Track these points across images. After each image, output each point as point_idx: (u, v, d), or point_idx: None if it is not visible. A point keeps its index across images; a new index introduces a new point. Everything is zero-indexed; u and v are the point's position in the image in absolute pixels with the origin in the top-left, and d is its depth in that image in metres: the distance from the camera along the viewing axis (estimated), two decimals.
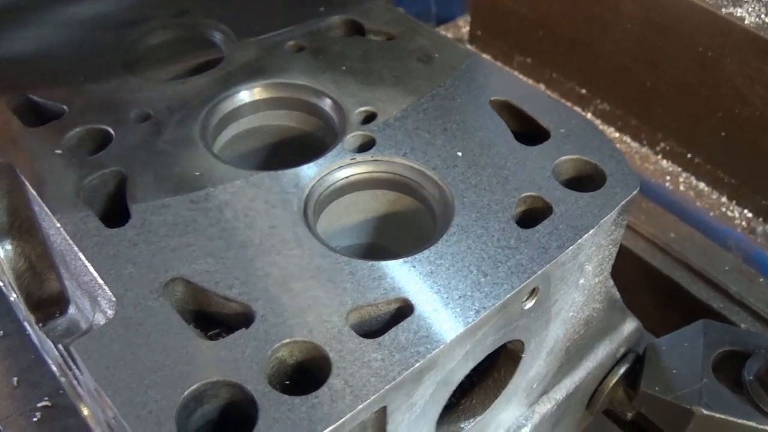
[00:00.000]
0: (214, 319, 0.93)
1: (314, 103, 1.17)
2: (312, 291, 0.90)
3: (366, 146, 1.08)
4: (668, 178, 1.91)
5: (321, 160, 1.05)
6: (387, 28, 1.28)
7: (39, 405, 1.34)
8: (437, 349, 0.86)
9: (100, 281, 0.91)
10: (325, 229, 1.06)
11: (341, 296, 0.90)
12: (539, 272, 0.94)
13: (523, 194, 1.02)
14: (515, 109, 1.15)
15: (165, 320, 0.87)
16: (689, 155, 1.90)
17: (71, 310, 1.13)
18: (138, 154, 1.05)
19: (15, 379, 1.37)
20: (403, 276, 0.92)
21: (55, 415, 1.32)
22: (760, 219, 1.80)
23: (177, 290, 0.92)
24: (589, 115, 2.07)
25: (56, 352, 1.13)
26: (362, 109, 1.13)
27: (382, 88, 1.17)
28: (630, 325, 1.22)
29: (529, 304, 0.97)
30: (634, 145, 1.99)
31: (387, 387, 0.83)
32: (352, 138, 1.09)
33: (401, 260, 0.94)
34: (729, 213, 1.84)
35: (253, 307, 0.89)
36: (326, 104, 1.16)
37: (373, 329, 0.90)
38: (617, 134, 2.02)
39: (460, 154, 1.07)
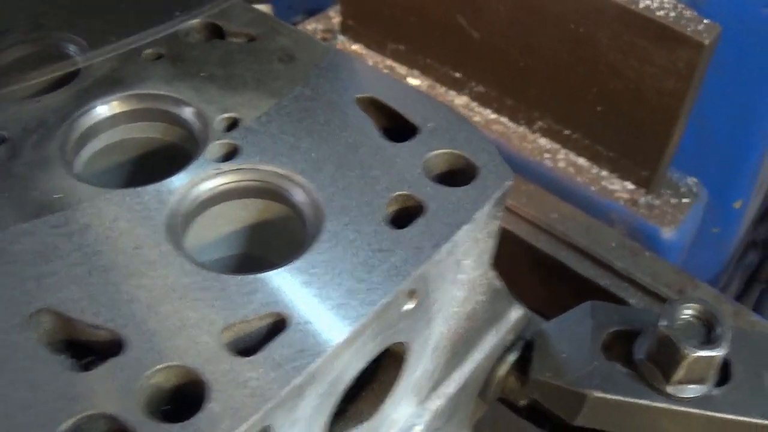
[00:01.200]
0: (85, 345, 0.90)
1: (175, 113, 1.13)
2: (181, 312, 0.87)
3: (230, 154, 1.05)
4: (547, 155, 1.93)
5: (182, 174, 1.02)
6: (247, 29, 1.24)
7: None
8: (315, 363, 0.84)
9: None
10: (194, 245, 1.03)
11: (211, 315, 0.87)
12: (415, 273, 0.93)
13: (394, 194, 1.00)
14: (382, 106, 1.13)
15: (32, 355, 0.83)
16: (567, 132, 1.92)
17: None
18: None
19: None
20: (276, 288, 0.90)
21: None
22: (642, 190, 1.84)
23: (44, 321, 0.88)
24: (464, 99, 2.08)
25: None
26: (224, 116, 1.09)
27: (244, 92, 1.14)
28: (516, 313, 1.22)
29: (409, 306, 0.96)
30: (511, 125, 2.01)
31: (266, 407, 0.81)
32: (215, 147, 1.06)
33: (273, 272, 0.92)
34: (610, 186, 1.87)
35: (121, 334, 0.85)
36: (187, 113, 1.12)
37: (249, 346, 0.88)
38: (494, 115, 2.03)
39: (325, 156, 1.05)
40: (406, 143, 1.07)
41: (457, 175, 1.06)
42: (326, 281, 0.91)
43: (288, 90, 1.14)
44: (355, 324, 0.88)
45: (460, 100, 2.08)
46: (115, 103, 1.13)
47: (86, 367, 0.89)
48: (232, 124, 1.09)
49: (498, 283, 1.18)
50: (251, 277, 0.91)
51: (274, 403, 0.81)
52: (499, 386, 1.25)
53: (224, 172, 1.03)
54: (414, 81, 2.13)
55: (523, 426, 1.43)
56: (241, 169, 1.04)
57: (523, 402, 1.27)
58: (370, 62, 2.16)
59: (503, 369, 1.23)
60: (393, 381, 1.04)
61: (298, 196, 1.02)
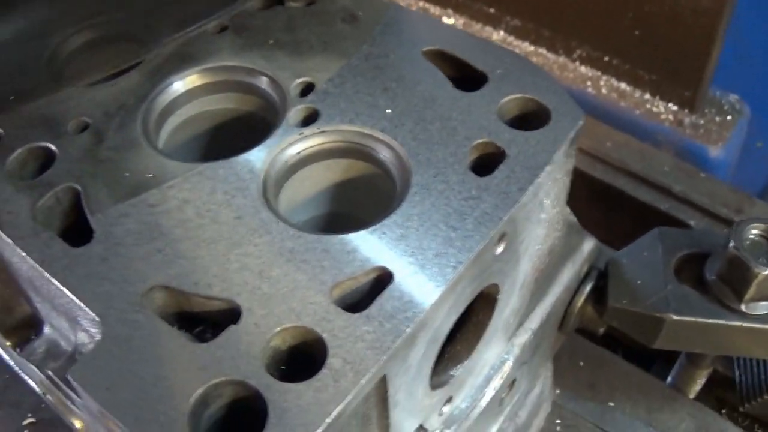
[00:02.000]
0: (196, 317, 0.94)
1: (250, 82, 1.16)
2: (290, 275, 0.91)
3: (311, 118, 1.08)
4: (589, 83, 1.95)
5: (269, 141, 1.05)
6: None
7: (24, 423, 1.33)
8: (424, 312, 0.88)
9: (79, 303, 0.90)
10: (285, 208, 1.07)
11: (320, 275, 0.91)
12: (505, 218, 0.97)
13: (474, 142, 1.04)
14: (448, 57, 1.16)
15: (153, 331, 0.87)
16: (606, 58, 1.94)
17: (47, 330, 1.12)
18: (85, 167, 1.03)
19: None
20: (376, 245, 0.94)
21: (44, 430, 1.32)
22: (686, 110, 1.86)
23: (156, 297, 0.92)
24: (501, 34, 2.09)
25: (38, 373, 1.13)
26: (299, 81, 1.12)
27: (313, 56, 1.16)
28: (589, 244, 1.26)
29: (500, 249, 1.00)
30: (551, 56, 2.03)
31: (384, 357, 0.85)
32: (295, 112, 1.09)
33: (370, 229, 0.95)
34: (654, 109, 1.89)
35: (237, 302, 0.89)
36: (262, 82, 1.15)
37: (356, 301, 0.92)
38: (532, 48, 2.05)
39: (403, 112, 1.08)
40: (479, 92, 1.10)
41: (529, 117, 1.09)
42: (422, 233, 0.95)
43: (355, 50, 1.17)
44: (455, 271, 0.91)
45: (497, 36, 2.09)
46: (190, 79, 1.16)
47: (199, 336, 0.94)
48: (308, 89, 1.12)
49: (572, 218, 1.22)
50: (351, 235, 0.95)
51: (390, 353, 0.85)
52: (578, 317, 1.29)
53: (308, 136, 1.07)
54: (448, 20, 2.14)
55: (600, 353, 1.48)
56: (324, 131, 1.07)
57: (602, 329, 1.31)
58: (403, 3, 2.17)
59: (580, 300, 1.27)
60: (487, 321, 1.08)
61: (384, 154, 1.06)
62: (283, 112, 1.09)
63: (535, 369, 1.31)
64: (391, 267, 0.91)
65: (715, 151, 1.84)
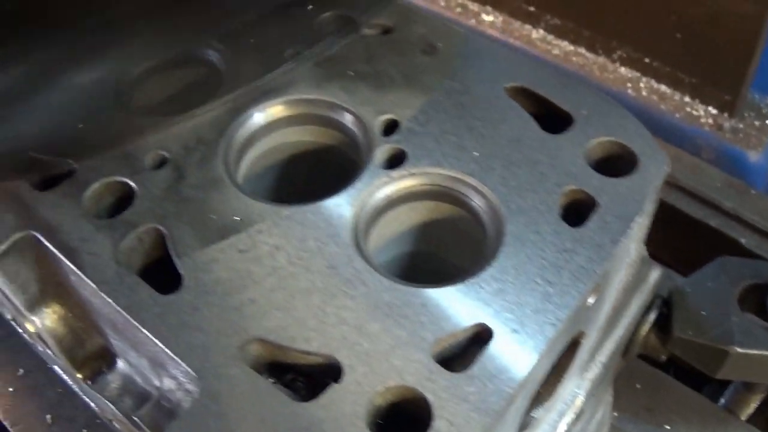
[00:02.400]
0: (287, 366, 0.93)
1: (331, 116, 1.14)
2: (390, 331, 0.90)
3: (397, 159, 1.06)
4: (629, 84, 1.94)
5: (358, 184, 1.03)
6: (381, 19, 1.24)
7: None
8: (527, 372, 0.88)
9: (173, 356, 0.89)
10: (369, 249, 1.06)
11: (420, 332, 0.90)
12: (600, 272, 0.96)
13: (564, 188, 1.03)
14: (531, 94, 1.14)
15: (253, 388, 0.87)
16: (647, 60, 1.93)
17: (120, 364, 1.11)
18: (168, 206, 1.01)
19: (48, 416, 1.34)
20: (474, 299, 0.93)
21: None
22: (725, 114, 1.85)
23: (251, 350, 0.91)
24: (540, 32, 2.07)
25: (105, 403, 1.11)
26: (383, 118, 1.10)
27: (395, 90, 1.14)
28: (655, 274, 1.26)
29: (592, 300, 0.99)
30: (590, 56, 2.01)
31: (489, 420, 0.84)
32: (382, 152, 1.07)
33: (467, 283, 0.94)
34: (694, 112, 1.88)
35: (337, 358, 0.88)
36: (344, 117, 1.13)
37: (453, 356, 0.92)
38: (572, 47, 2.03)
39: (491, 154, 1.06)
40: (565, 134, 1.09)
41: (613, 160, 1.08)
42: (519, 287, 0.94)
43: (436, 84, 1.15)
44: (555, 329, 0.91)
45: (536, 34, 2.07)
46: (270, 111, 1.14)
47: (290, 386, 0.93)
48: (391, 125, 1.10)
49: (645, 252, 1.21)
50: (449, 288, 0.94)
51: (496, 415, 0.85)
52: (641, 344, 1.29)
53: (396, 179, 1.05)
54: (487, 17, 2.12)
55: (657, 375, 1.49)
56: (412, 174, 1.05)
57: (663, 357, 1.32)
58: (443, 2, 2.14)
59: (645, 328, 1.28)
60: (569, 364, 1.08)
61: (474, 199, 1.04)
62: (367, 151, 1.07)
63: (599, 396, 1.32)
64: (490, 323, 0.91)
65: (754, 156, 1.84)
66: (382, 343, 0.89)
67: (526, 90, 1.15)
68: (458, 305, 0.92)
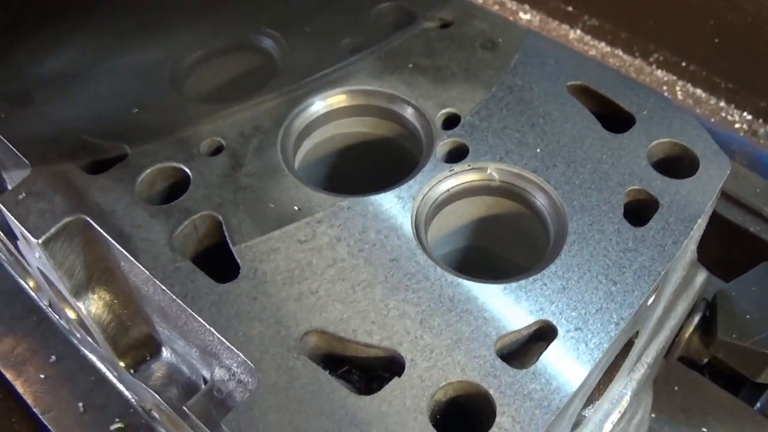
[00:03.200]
0: (344, 358, 0.92)
1: (391, 108, 1.13)
2: (453, 325, 0.89)
3: (459, 153, 1.05)
4: (665, 87, 1.93)
5: (420, 177, 1.02)
6: (440, 12, 1.23)
7: (112, 428, 1.31)
8: (590, 370, 0.87)
9: (230, 346, 0.88)
10: (428, 242, 1.04)
11: (483, 327, 0.89)
12: (663, 272, 0.95)
13: (627, 188, 1.02)
14: (593, 93, 1.13)
15: (313, 380, 0.85)
16: (684, 63, 1.92)
17: (165, 353, 1.10)
18: (225, 194, 1.00)
19: (80, 404, 1.34)
20: (537, 295, 0.92)
21: None
22: (761, 120, 1.84)
23: (311, 341, 0.90)
24: (578, 33, 2.06)
25: (148, 392, 1.10)
26: (444, 111, 1.09)
27: (456, 84, 1.13)
28: (701, 277, 1.25)
29: (651, 300, 0.98)
30: (627, 58, 2.00)
31: (552, 418, 0.83)
32: (443, 146, 1.06)
33: (531, 279, 0.93)
34: (729, 117, 1.87)
35: (399, 352, 0.87)
36: (405, 110, 1.12)
37: (513, 352, 0.91)
38: (608, 48, 2.02)
39: (554, 151, 1.05)
40: (627, 133, 1.07)
41: (673, 162, 1.07)
42: (583, 285, 0.93)
43: (497, 79, 1.13)
44: (618, 328, 0.90)
45: (573, 35, 2.06)
46: (330, 101, 1.13)
47: (344, 378, 0.92)
48: (452, 120, 1.09)
49: (695, 254, 1.20)
50: (512, 284, 0.92)
51: (558, 412, 0.84)
52: (684, 347, 1.28)
53: (457, 174, 1.04)
54: (525, 16, 2.11)
55: (694, 377, 1.48)
56: (474, 168, 1.04)
57: (704, 360, 1.31)
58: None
59: (689, 330, 1.26)
60: (621, 363, 1.07)
61: (536, 196, 1.03)
62: (429, 144, 1.06)
63: (640, 397, 1.31)
64: (554, 321, 0.90)
65: None
66: (444, 338, 0.88)
67: (587, 89, 1.13)
68: (522, 301, 0.91)
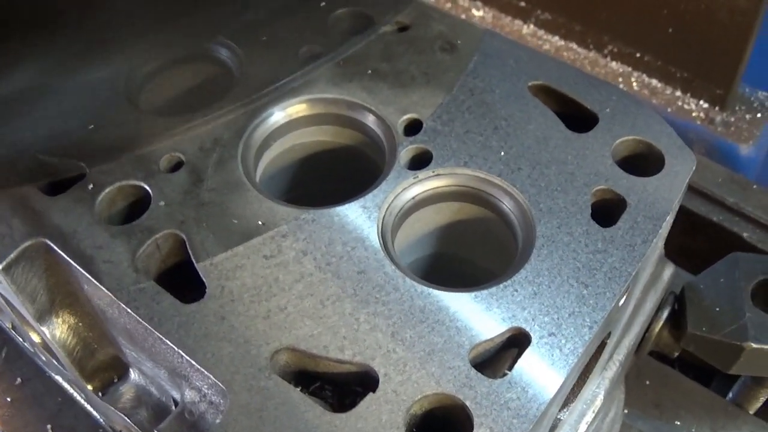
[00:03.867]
0: (316, 375, 0.90)
1: (353, 116, 1.11)
2: (425, 337, 0.88)
3: (422, 159, 1.04)
4: (620, 79, 1.93)
5: (384, 185, 1.01)
6: (397, 16, 1.21)
7: None
8: (566, 376, 0.86)
9: (200, 368, 0.86)
10: (396, 251, 1.03)
11: (456, 337, 0.88)
12: (634, 272, 0.95)
13: (593, 189, 1.01)
14: (554, 92, 1.12)
15: (286, 400, 0.84)
16: (638, 54, 1.92)
17: (133, 375, 1.07)
18: (187, 211, 0.98)
19: (48, 426, 1.31)
20: (509, 302, 0.91)
21: None
22: (717, 108, 1.85)
23: (281, 359, 0.88)
24: (531, 27, 2.06)
25: (118, 415, 1.08)
26: (405, 117, 1.08)
27: (416, 88, 1.11)
28: (669, 271, 1.25)
29: (622, 301, 0.98)
30: (582, 51, 2.00)
31: (530, 427, 0.83)
32: (406, 153, 1.05)
33: (501, 285, 0.92)
34: (686, 107, 1.88)
35: (372, 366, 0.86)
36: (366, 117, 1.10)
37: (486, 360, 0.90)
38: (562, 42, 2.02)
39: (518, 154, 1.04)
40: (591, 133, 1.07)
41: (637, 159, 1.07)
42: (554, 290, 0.92)
43: (457, 81, 1.12)
44: (591, 331, 0.89)
45: (527, 29, 2.06)
46: (290, 110, 1.10)
47: (317, 394, 0.90)
48: (414, 125, 1.07)
49: (662, 249, 1.20)
50: (484, 292, 0.91)
51: (536, 421, 0.83)
52: (655, 341, 1.28)
53: (423, 180, 1.02)
54: (477, 12, 2.10)
55: (665, 371, 1.49)
56: (439, 174, 1.03)
57: (675, 354, 1.31)
58: None
59: (658, 325, 1.26)
60: (594, 365, 1.07)
61: (503, 200, 1.02)
62: (392, 151, 1.04)
63: (613, 394, 1.31)
64: (527, 327, 0.89)
65: (745, 150, 1.84)
66: (417, 350, 0.87)
67: (548, 88, 1.13)
68: (493, 309, 0.90)
